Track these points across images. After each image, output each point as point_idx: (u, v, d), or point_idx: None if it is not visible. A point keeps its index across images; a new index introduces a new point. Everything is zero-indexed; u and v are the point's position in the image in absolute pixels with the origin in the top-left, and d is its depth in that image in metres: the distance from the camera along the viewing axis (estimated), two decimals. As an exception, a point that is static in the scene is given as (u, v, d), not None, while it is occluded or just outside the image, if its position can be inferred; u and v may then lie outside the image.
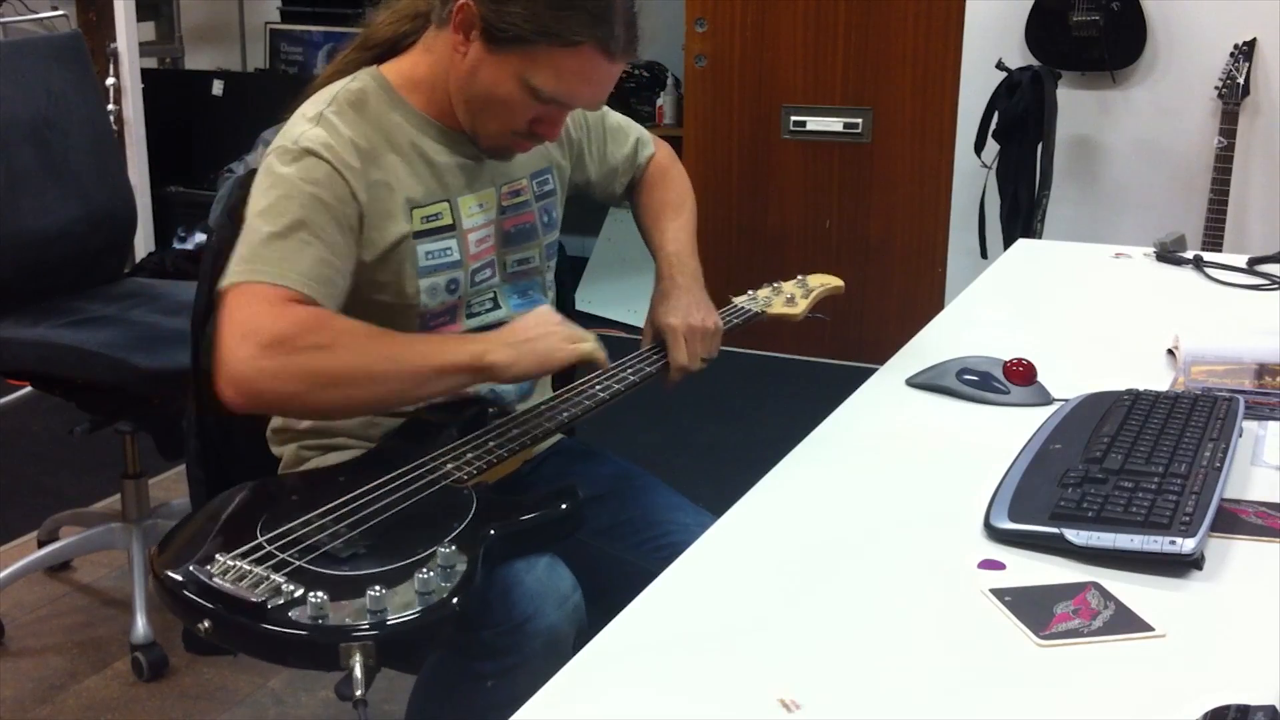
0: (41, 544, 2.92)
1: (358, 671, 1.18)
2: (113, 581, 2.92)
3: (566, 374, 1.90)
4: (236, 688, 2.51)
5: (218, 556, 1.27)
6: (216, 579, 1.23)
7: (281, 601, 1.21)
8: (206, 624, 1.23)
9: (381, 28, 1.64)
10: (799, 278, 1.95)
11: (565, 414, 1.57)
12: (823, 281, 1.94)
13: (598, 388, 1.62)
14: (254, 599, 1.20)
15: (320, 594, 1.20)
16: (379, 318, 1.58)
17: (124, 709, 2.46)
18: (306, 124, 1.54)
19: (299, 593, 1.21)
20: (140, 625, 2.57)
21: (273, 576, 1.24)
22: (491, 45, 1.51)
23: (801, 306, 1.89)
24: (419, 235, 1.58)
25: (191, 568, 1.26)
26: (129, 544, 2.74)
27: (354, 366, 1.42)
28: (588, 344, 1.53)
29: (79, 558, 2.96)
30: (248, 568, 1.25)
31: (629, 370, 1.66)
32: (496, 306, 1.68)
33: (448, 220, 1.60)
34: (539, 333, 1.51)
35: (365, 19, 1.67)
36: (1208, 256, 2.34)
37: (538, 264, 1.73)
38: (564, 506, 1.45)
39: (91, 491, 3.26)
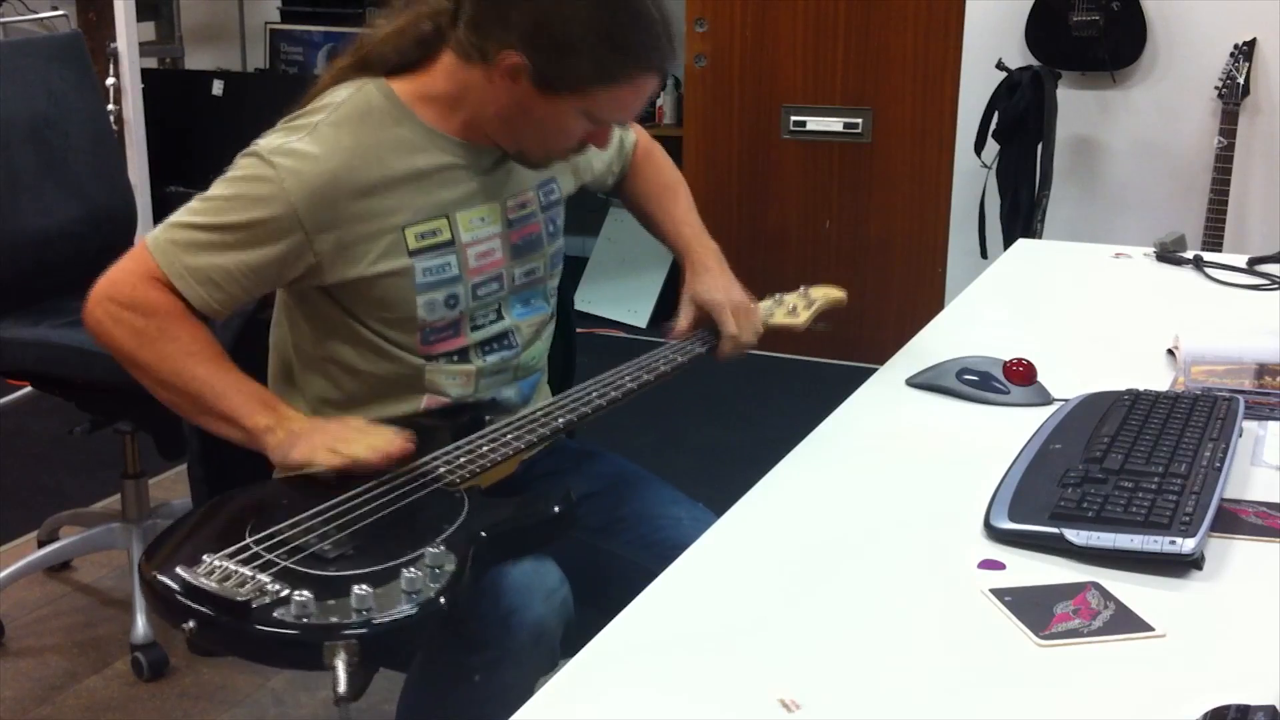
0: (41, 544, 2.92)
1: (340, 670, 1.17)
2: (113, 581, 2.92)
3: (565, 378, 1.91)
4: (236, 687, 2.51)
5: (205, 558, 1.26)
6: (202, 579, 1.23)
7: (267, 601, 1.20)
8: (191, 624, 1.23)
9: (385, 53, 1.60)
10: (802, 289, 1.95)
11: (562, 419, 1.56)
12: (825, 294, 1.95)
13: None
14: (239, 599, 1.20)
15: (305, 593, 1.20)
16: (382, 328, 1.59)
17: (124, 709, 2.46)
18: (297, 133, 1.54)
19: (284, 592, 1.21)
20: (140, 625, 2.57)
21: (258, 576, 1.23)
22: (545, 90, 1.51)
23: (803, 317, 1.89)
24: (416, 253, 1.57)
25: (178, 569, 1.25)
26: (129, 544, 2.74)
27: (156, 366, 1.52)
28: (350, 451, 1.44)
29: (79, 558, 2.96)
30: (234, 568, 1.25)
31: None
32: (500, 317, 1.68)
33: (445, 236, 1.60)
34: (321, 436, 1.46)
35: (366, 23, 1.65)
36: (1208, 256, 2.33)
37: (543, 274, 1.74)
38: (556, 509, 1.45)
39: (91, 491, 3.26)
